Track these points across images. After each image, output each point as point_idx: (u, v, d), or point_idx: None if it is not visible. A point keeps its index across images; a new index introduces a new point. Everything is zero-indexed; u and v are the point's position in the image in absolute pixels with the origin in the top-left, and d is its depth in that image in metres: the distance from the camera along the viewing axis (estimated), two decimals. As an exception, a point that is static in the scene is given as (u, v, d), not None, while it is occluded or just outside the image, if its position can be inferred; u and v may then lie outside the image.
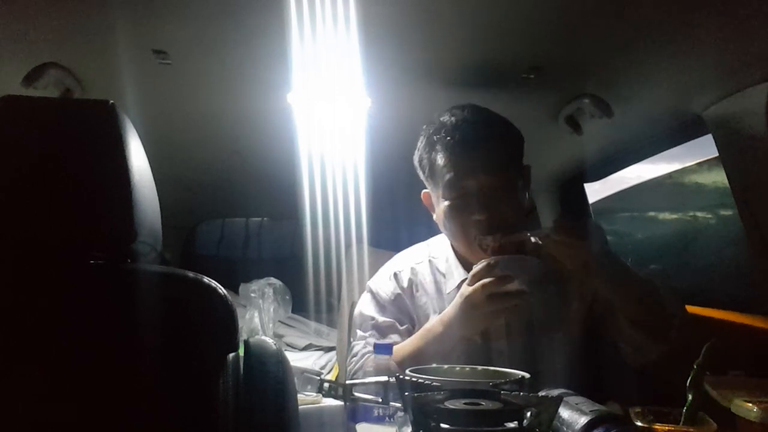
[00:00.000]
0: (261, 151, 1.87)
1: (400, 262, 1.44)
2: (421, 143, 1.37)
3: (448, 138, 1.28)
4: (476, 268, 1.20)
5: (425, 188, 1.41)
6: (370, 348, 1.30)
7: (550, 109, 1.54)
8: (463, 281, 1.33)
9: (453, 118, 1.31)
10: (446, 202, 1.30)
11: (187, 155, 1.96)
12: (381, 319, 1.35)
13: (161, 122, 1.61)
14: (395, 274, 1.40)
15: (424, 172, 1.37)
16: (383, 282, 1.41)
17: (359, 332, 1.39)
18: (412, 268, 1.40)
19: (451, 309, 1.24)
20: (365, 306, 1.41)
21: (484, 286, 1.17)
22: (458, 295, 1.23)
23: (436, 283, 1.38)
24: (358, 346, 1.36)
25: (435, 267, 1.39)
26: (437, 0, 1.11)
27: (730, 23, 1.08)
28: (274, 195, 2.19)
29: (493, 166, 1.27)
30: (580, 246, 1.14)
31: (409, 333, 1.34)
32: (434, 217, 1.40)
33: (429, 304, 1.36)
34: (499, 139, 1.30)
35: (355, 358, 1.34)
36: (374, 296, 1.40)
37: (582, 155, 1.81)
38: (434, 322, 1.28)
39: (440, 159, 1.30)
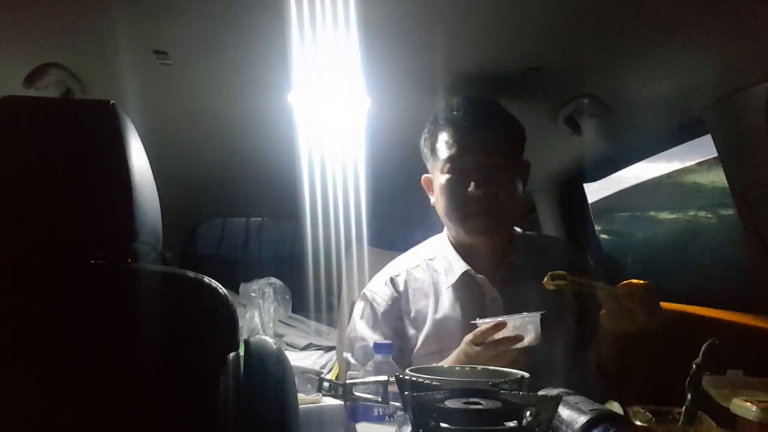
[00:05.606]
0: (261, 151, 1.87)
1: (396, 266, 1.43)
2: (426, 128, 1.42)
3: (454, 113, 1.35)
4: (483, 327, 1.17)
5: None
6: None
7: (550, 110, 1.54)
8: (463, 273, 1.33)
9: (459, 100, 1.38)
10: (444, 177, 1.34)
11: (188, 155, 1.96)
12: (373, 339, 1.34)
13: (161, 122, 1.61)
14: (391, 279, 1.40)
15: (428, 151, 1.41)
16: (379, 288, 1.41)
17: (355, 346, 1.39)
18: (408, 272, 1.40)
19: (453, 360, 1.21)
20: (359, 320, 1.40)
21: (491, 347, 1.14)
22: (462, 352, 1.19)
23: (434, 284, 1.38)
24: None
25: (432, 268, 1.39)
26: (437, 0, 1.11)
27: (729, 23, 1.08)
28: (274, 195, 2.19)
29: (494, 146, 1.33)
30: (640, 311, 1.11)
31: (399, 348, 1.34)
32: (431, 200, 1.43)
33: (427, 307, 1.36)
34: (502, 124, 1.37)
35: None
36: (369, 304, 1.39)
37: (581, 155, 1.81)
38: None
39: (443, 135, 1.36)
